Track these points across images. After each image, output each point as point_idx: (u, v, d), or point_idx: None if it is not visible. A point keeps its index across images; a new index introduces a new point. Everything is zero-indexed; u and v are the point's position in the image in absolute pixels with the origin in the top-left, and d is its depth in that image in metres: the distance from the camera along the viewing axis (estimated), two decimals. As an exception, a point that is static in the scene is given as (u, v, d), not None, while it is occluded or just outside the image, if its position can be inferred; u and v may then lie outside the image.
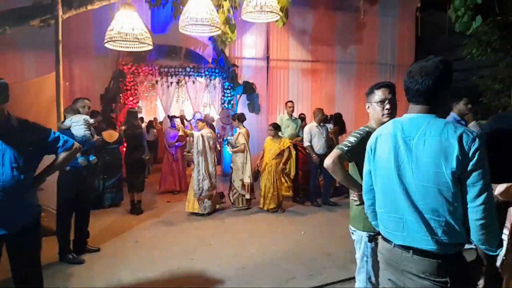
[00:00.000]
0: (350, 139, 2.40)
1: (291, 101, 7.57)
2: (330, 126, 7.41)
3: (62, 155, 2.61)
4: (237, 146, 6.42)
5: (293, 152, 6.84)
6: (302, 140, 6.85)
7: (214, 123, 8.94)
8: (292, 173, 6.86)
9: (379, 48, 10.86)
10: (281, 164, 6.37)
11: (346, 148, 2.36)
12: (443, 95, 1.63)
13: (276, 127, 6.51)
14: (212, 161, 6.16)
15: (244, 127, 6.65)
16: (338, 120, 7.74)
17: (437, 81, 1.60)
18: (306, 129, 6.68)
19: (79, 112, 4.34)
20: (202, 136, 6.04)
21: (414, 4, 8.58)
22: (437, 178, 1.55)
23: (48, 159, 2.62)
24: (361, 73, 10.77)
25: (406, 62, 10.81)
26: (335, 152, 2.38)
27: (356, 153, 2.30)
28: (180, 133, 6.80)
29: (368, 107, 2.44)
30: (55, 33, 4.46)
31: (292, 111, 7.36)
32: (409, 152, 1.63)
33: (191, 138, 6.48)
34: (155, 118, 12.40)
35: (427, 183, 1.57)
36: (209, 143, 6.09)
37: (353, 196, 2.44)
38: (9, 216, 2.34)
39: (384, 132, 1.76)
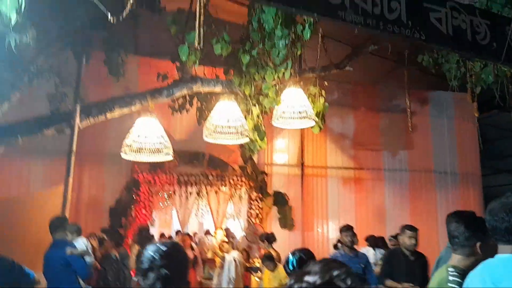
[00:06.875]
0: None
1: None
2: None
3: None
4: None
5: None
6: None
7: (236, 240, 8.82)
8: None
9: (434, 153, 10.95)
10: None
11: None
12: None
13: (271, 259, 5.44)
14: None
15: (275, 250, 6.50)
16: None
17: None
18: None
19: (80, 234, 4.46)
20: (235, 260, 5.87)
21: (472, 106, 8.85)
22: None
23: None
24: (416, 182, 10.72)
25: (471, 170, 10.74)
26: None
27: None
28: (209, 255, 6.24)
29: None
30: (69, 143, 4.85)
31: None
32: None
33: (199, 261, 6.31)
34: (161, 234, 12.07)
35: None
36: (241, 270, 5.91)
37: None
38: None
39: (474, 274, 1.89)
